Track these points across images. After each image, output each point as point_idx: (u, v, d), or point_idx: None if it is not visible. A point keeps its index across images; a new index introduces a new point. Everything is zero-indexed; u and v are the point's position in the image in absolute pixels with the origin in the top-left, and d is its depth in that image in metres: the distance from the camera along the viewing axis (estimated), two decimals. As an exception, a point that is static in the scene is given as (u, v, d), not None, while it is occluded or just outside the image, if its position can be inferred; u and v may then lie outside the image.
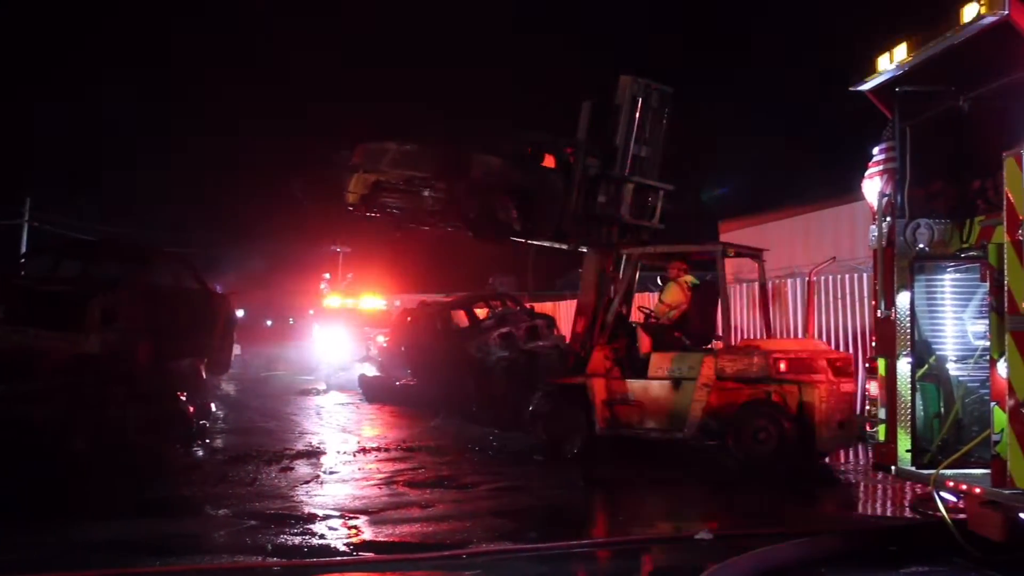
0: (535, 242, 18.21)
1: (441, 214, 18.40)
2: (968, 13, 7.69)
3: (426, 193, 18.41)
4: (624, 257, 16.55)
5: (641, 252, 16.45)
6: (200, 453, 16.50)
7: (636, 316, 17.11)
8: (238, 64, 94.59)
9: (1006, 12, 7.46)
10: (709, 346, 15.91)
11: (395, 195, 18.96)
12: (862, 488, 13.52)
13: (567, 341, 22.20)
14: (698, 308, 16.05)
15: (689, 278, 16.26)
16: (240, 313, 26.39)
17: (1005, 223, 7.64)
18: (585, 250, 17.34)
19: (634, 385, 15.41)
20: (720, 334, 15.51)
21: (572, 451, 15.72)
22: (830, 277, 21.38)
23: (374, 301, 40.95)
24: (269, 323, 66.17)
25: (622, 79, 16.65)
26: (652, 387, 15.23)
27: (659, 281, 17.27)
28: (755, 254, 16.45)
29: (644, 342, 15.66)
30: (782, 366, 14.29)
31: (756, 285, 18.38)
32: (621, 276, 16.58)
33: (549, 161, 17.49)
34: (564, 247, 17.90)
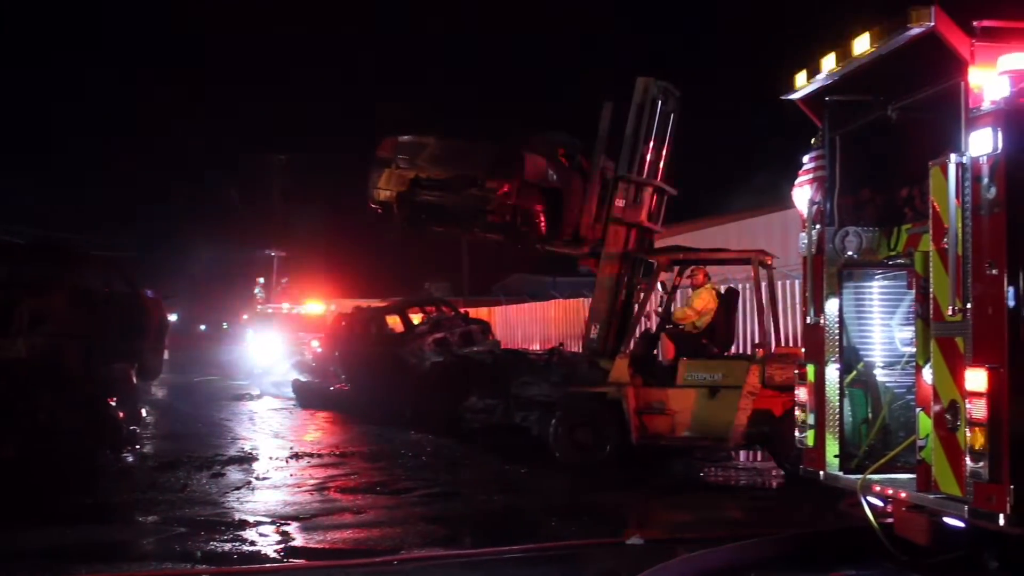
0: (549, 248, 17.70)
1: (490, 215, 17.65)
2: (896, 24, 7.78)
3: (472, 191, 17.75)
4: (654, 264, 15.89)
5: (671, 258, 16.02)
6: (130, 459, 16.34)
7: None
8: (172, 63, 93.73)
9: (932, 23, 7.55)
10: (727, 352, 15.85)
11: (435, 193, 18.27)
12: (794, 493, 13.64)
13: (556, 346, 22.18)
14: (723, 315, 15.73)
15: (714, 284, 16.03)
16: (173, 317, 26.16)
17: (931, 231, 7.76)
18: (601, 255, 16.39)
19: (666, 393, 14.99)
20: (761, 341, 15.39)
21: (600, 460, 15.17)
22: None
23: (309, 306, 40.76)
24: (203, 328, 65.72)
25: (641, 80, 15.97)
26: (686, 395, 14.84)
27: (689, 288, 16.80)
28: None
29: (669, 349, 15.39)
30: None
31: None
32: (649, 282, 16.02)
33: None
34: (573, 253, 17.50)
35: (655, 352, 16.22)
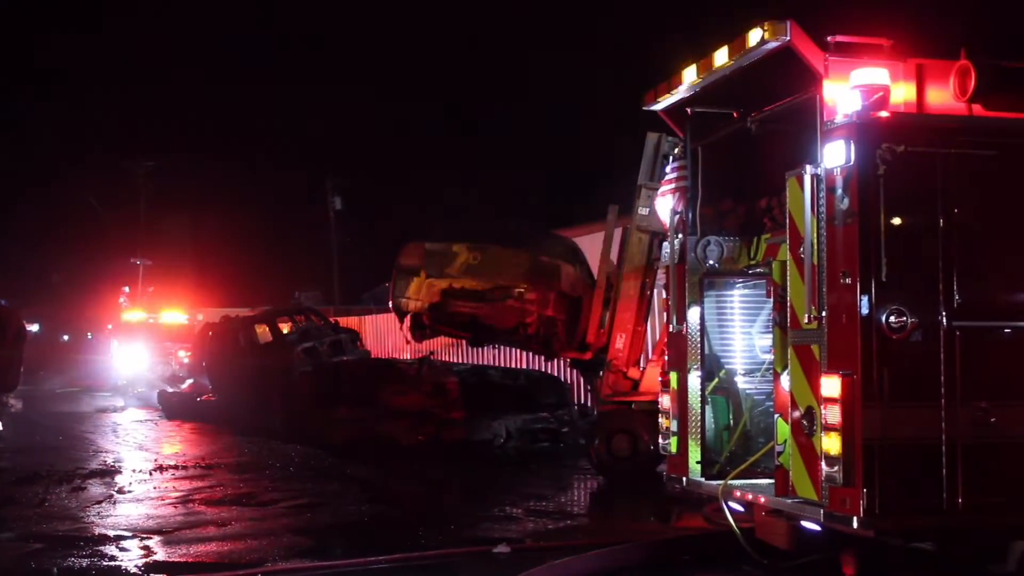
0: (564, 354, 17.66)
1: (529, 326, 17.31)
2: (753, 37, 7.93)
3: (511, 303, 17.44)
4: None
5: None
6: (-15, 474, 15.88)
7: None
8: (31, 60, 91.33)
9: (787, 38, 7.70)
10: None
11: (471, 304, 17.83)
12: (657, 499, 13.79)
13: (427, 356, 21.97)
14: None
15: None
16: (34, 328, 25.52)
17: (788, 241, 7.93)
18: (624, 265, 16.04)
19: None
20: None
21: (635, 468, 14.91)
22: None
23: (176, 315, 40.04)
24: (65, 338, 64.05)
25: (651, 136, 15.36)
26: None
27: None
28: None
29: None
30: None
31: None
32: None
33: None
34: (581, 358, 16.87)
35: None
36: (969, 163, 7.59)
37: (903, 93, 7.77)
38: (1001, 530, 7.57)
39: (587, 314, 16.46)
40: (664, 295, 16.18)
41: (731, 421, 9.48)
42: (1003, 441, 7.48)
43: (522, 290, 17.35)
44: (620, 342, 15.71)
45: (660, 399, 9.84)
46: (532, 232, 20.28)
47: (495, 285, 17.68)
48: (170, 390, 29.65)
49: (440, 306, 17.98)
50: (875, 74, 7.53)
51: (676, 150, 9.83)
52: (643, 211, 15.47)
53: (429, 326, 18.40)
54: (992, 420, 7.45)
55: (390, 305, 18.58)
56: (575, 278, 17.23)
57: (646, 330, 16.02)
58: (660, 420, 9.82)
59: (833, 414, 7.29)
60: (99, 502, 13.24)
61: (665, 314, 14.84)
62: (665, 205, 9.77)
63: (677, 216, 9.60)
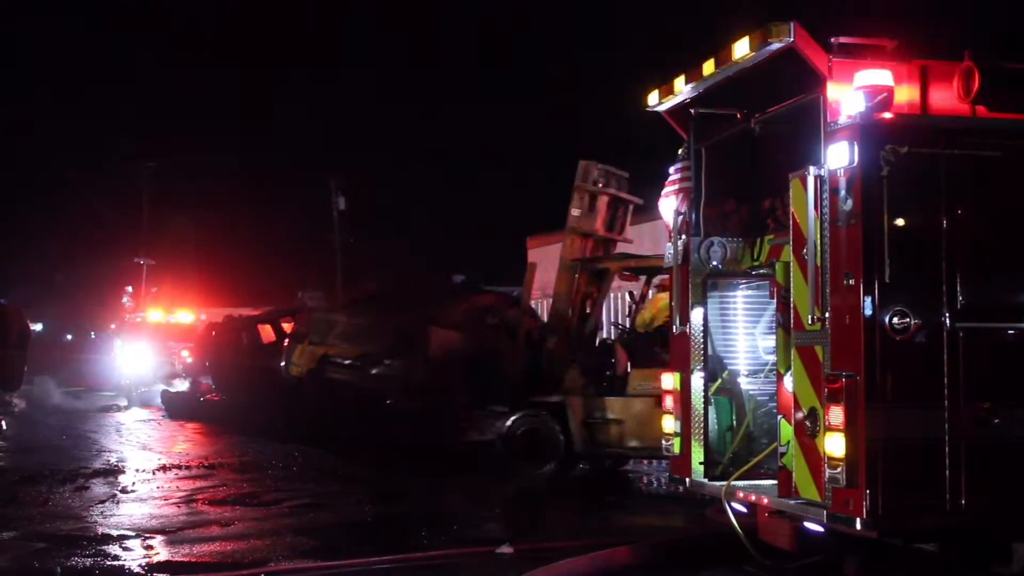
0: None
1: (403, 394, 17.23)
2: (756, 39, 7.93)
3: (375, 371, 17.48)
4: (604, 271, 15.69)
5: (622, 265, 15.81)
6: (-11, 473, 15.90)
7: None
8: (35, 61, 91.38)
9: (791, 39, 7.71)
10: None
11: (343, 371, 17.99)
12: (660, 500, 13.81)
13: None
14: None
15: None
16: (37, 327, 25.53)
17: (791, 242, 7.93)
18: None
19: (614, 403, 14.85)
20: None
21: (548, 469, 15.05)
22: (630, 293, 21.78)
23: (179, 315, 40.05)
24: (69, 337, 64.12)
25: (582, 164, 15.72)
26: (633, 405, 14.70)
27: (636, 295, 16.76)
28: None
29: (622, 358, 15.36)
30: None
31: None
32: (600, 290, 15.83)
33: None
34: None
35: (612, 361, 16.01)
36: (973, 164, 7.59)
37: (907, 94, 7.77)
38: (1004, 531, 7.58)
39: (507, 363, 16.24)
40: (630, 299, 16.38)
41: (734, 422, 9.48)
42: (1006, 442, 7.48)
43: (384, 357, 17.48)
44: (551, 343, 15.73)
45: (663, 400, 9.83)
46: (434, 290, 20.42)
47: (364, 352, 17.88)
48: (173, 390, 29.67)
49: (317, 372, 18.34)
50: (879, 75, 7.53)
51: (680, 151, 9.81)
52: (575, 212, 15.64)
53: (311, 392, 18.71)
54: (995, 421, 7.45)
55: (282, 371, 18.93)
56: (458, 341, 17.00)
57: (582, 329, 15.82)
58: (663, 421, 9.82)
59: (836, 415, 7.30)
60: (102, 501, 13.25)
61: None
62: (668, 206, 9.76)
63: (680, 217, 9.59)
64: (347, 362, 18.10)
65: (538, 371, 15.65)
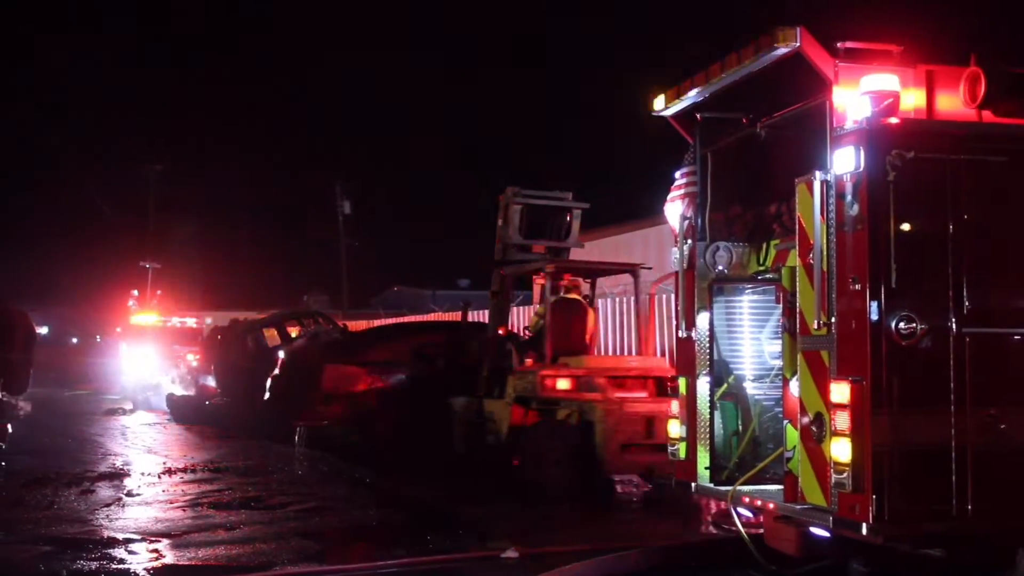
0: None
1: None
2: (763, 44, 7.94)
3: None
4: (503, 277, 16.12)
5: (514, 270, 16.15)
6: (-5, 476, 15.91)
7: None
8: (38, 66, 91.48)
9: (798, 44, 7.72)
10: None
11: None
12: (665, 505, 13.78)
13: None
14: (560, 324, 15.40)
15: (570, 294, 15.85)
16: (43, 330, 25.56)
17: (797, 247, 7.93)
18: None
19: (492, 405, 15.18)
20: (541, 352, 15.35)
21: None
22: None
23: (184, 318, 40.11)
24: (75, 340, 64.17)
25: (508, 191, 16.26)
26: (498, 406, 15.06)
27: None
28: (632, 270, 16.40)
29: (515, 361, 15.44)
30: (558, 385, 14.10)
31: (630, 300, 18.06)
32: (502, 293, 16.27)
33: None
34: None
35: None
36: (979, 169, 7.59)
37: (913, 99, 7.78)
38: (1011, 537, 7.56)
39: None
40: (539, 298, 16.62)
41: (740, 427, 9.48)
42: (1012, 448, 7.47)
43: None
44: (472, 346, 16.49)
45: (670, 404, 9.83)
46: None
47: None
48: (178, 393, 29.69)
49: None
50: (885, 80, 7.53)
51: (686, 156, 9.82)
52: (499, 222, 16.28)
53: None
54: (1002, 427, 7.45)
55: None
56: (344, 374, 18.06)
57: (494, 332, 16.13)
58: (668, 425, 9.81)
59: (842, 420, 7.30)
60: (108, 505, 13.26)
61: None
62: (674, 210, 9.76)
63: (686, 222, 9.59)
64: None
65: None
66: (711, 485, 9.27)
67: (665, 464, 12.21)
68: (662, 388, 13.83)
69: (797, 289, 7.95)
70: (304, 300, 47.48)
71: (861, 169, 7.34)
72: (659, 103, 9.64)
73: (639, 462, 13.71)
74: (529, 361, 15.24)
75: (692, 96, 9.25)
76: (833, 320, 7.52)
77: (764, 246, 9.35)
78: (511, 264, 16.26)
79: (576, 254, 17.13)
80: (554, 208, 16.57)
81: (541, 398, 14.27)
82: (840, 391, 7.36)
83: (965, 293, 7.47)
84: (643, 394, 14.23)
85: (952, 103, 7.84)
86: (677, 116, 9.69)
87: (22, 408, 19.39)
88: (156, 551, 10.55)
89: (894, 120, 7.48)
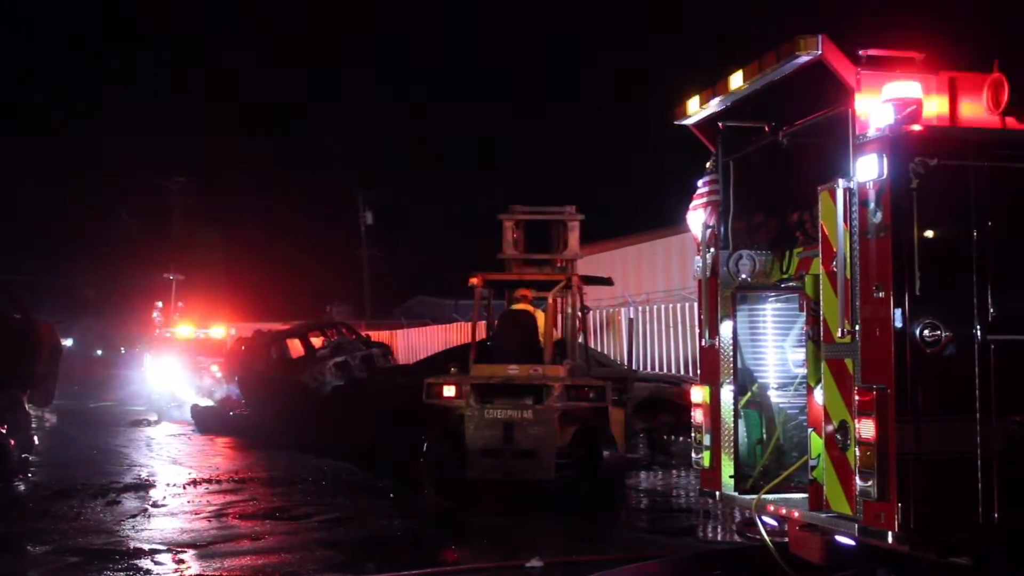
0: None
1: None
2: (784, 52, 7.94)
3: None
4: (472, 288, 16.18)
5: (484, 278, 16.11)
6: (21, 487, 16.01)
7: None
8: (62, 77, 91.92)
9: (819, 52, 7.71)
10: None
11: None
12: (690, 513, 13.77)
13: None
14: (504, 334, 15.68)
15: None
16: (68, 342, 25.69)
17: (821, 255, 7.90)
18: None
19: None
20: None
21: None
22: (660, 307, 21.84)
23: (208, 330, 40.27)
24: (99, 352, 64.50)
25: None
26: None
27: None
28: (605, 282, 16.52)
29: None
30: (444, 392, 14.61)
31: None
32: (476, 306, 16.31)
33: None
34: None
35: None
36: (1003, 176, 7.55)
37: (936, 106, 7.75)
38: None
39: None
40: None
41: (764, 435, 9.44)
42: (1039, 455, 7.43)
43: None
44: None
45: (693, 413, 9.81)
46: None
47: None
48: (203, 404, 29.79)
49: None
50: (907, 87, 7.51)
51: (708, 164, 9.81)
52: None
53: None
54: (1028, 434, 7.40)
55: None
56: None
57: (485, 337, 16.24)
58: (692, 434, 9.80)
59: (867, 428, 7.27)
60: (133, 516, 13.32)
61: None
62: (697, 219, 9.75)
63: (709, 230, 9.58)
64: None
65: None
66: (735, 494, 9.23)
67: (518, 471, 13.96)
68: (539, 396, 14.37)
69: (821, 297, 7.93)
70: (327, 311, 47.55)
71: (884, 176, 7.32)
72: (681, 112, 9.65)
73: (500, 467, 14.30)
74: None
75: (713, 105, 9.26)
76: (857, 328, 7.49)
77: (787, 254, 9.33)
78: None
79: (583, 264, 17.22)
80: (550, 222, 16.67)
81: (426, 404, 14.85)
82: (864, 399, 7.32)
83: (990, 300, 7.43)
84: (528, 401, 14.46)
85: (975, 110, 7.80)
86: (699, 125, 9.69)
87: (48, 420, 19.51)
88: (181, 562, 10.60)
89: (917, 127, 7.46)
